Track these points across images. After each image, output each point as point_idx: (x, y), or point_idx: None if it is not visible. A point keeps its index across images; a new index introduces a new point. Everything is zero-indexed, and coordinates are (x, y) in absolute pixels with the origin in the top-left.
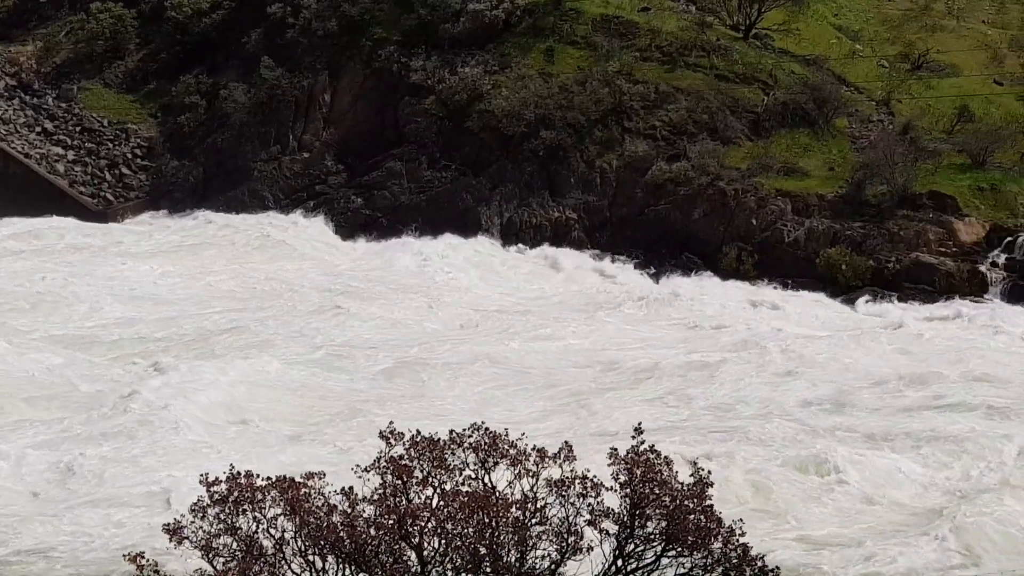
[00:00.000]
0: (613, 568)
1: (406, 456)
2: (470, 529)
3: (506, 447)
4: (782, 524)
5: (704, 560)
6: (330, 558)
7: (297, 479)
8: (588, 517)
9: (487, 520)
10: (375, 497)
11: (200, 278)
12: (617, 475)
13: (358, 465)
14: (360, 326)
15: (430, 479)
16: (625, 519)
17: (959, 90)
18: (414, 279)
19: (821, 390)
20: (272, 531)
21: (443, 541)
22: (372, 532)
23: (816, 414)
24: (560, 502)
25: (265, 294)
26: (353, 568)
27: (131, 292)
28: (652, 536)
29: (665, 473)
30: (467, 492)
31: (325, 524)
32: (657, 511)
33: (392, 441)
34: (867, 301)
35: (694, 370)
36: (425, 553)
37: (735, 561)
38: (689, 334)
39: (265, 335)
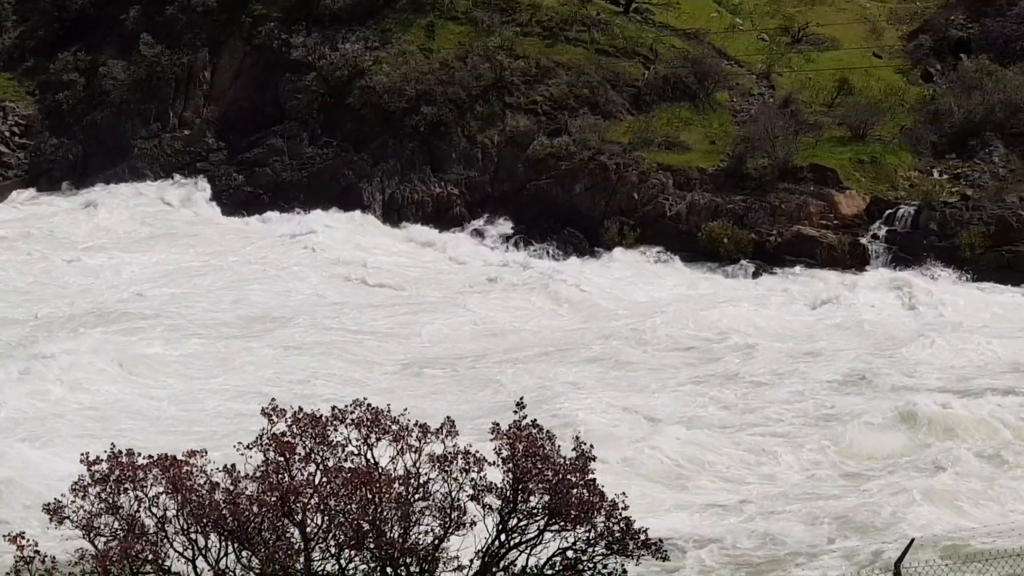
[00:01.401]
0: (496, 543)
1: (288, 433)
2: (353, 505)
3: (388, 423)
4: None
5: (587, 534)
6: (212, 536)
7: (179, 457)
8: (471, 492)
9: (370, 496)
10: (258, 474)
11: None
12: (499, 450)
13: (240, 442)
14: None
15: (313, 456)
16: (508, 494)
17: (839, 63)
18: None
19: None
20: (154, 509)
21: (326, 518)
22: (255, 509)
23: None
24: (443, 477)
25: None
26: (236, 545)
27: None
28: (535, 510)
29: (547, 447)
30: (350, 468)
31: (207, 502)
32: (540, 485)
33: (274, 418)
34: None
35: None
36: (308, 530)
37: (618, 535)
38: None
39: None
